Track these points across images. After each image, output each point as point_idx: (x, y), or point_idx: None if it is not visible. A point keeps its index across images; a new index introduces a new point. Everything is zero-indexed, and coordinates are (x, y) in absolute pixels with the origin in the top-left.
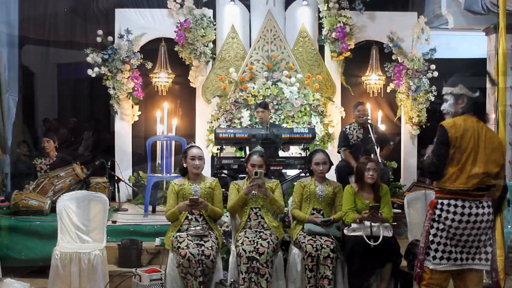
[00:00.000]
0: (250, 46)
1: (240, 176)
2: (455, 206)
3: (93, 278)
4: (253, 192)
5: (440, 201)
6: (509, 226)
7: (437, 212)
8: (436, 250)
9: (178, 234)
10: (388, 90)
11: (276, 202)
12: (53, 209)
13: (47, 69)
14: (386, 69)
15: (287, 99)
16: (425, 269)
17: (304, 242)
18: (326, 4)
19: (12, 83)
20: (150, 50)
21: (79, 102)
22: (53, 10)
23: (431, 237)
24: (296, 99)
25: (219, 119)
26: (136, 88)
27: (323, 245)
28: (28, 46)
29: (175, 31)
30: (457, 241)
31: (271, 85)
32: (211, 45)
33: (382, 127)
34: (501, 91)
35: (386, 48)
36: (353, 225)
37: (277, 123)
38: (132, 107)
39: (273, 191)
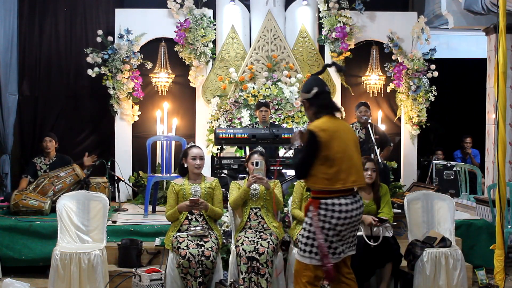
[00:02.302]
0: (250, 46)
1: (240, 176)
2: (339, 204)
3: (93, 278)
4: (254, 186)
5: (324, 201)
6: (509, 226)
7: (322, 211)
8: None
9: (178, 234)
10: (388, 90)
11: (276, 195)
12: (53, 209)
13: (47, 69)
14: (386, 69)
15: (287, 99)
16: (307, 266)
17: None
18: (326, 4)
19: (12, 83)
20: (150, 50)
21: (79, 102)
22: (53, 10)
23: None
24: (296, 99)
25: (219, 119)
26: (136, 88)
27: None
28: (28, 46)
29: (175, 31)
30: (342, 237)
31: (271, 85)
32: (211, 45)
33: (382, 127)
34: (501, 91)
35: (386, 48)
36: None
37: (277, 123)
38: (132, 107)
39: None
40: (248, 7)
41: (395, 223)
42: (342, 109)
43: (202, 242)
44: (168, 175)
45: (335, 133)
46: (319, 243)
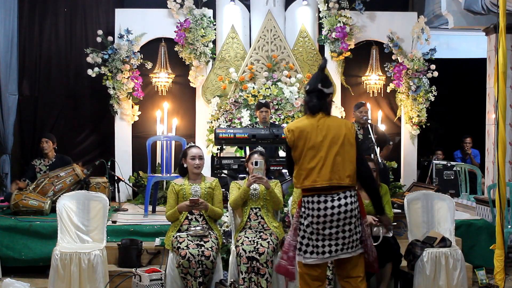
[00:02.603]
0: (250, 46)
1: (240, 176)
2: (313, 202)
3: (93, 278)
4: (254, 186)
5: (303, 198)
6: (509, 226)
7: (302, 209)
8: (307, 245)
9: (178, 234)
10: (388, 90)
11: (276, 195)
12: (53, 209)
13: (47, 69)
14: (386, 69)
15: (287, 99)
16: (298, 263)
17: None
18: (326, 4)
19: (12, 83)
20: (150, 50)
21: (79, 102)
22: (53, 10)
23: (300, 233)
24: (296, 99)
25: (219, 119)
26: (136, 88)
27: None
28: (28, 46)
29: (175, 31)
30: (322, 235)
31: (271, 85)
32: (211, 45)
33: (382, 127)
34: (501, 91)
35: (386, 48)
36: None
37: (277, 123)
38: (132, 107)
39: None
40: (248, 7)
41: (395, 223)
42: (342, 109)
43: (202, 242)
44: (168, 175)
45: (302, 133)
46: (286, 240)
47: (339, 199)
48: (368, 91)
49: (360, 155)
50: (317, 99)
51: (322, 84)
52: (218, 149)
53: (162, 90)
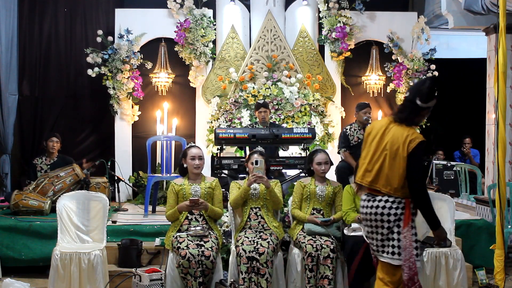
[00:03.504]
0: (250, 46)
1: (240, 176)
2: (362, 199)
3: (93, 278)
4: (254, 186)
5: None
6: (509, 226)
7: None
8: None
9: (178, 234)
10: (388, 90)
11: (275, 194)
12: (53, 209)
13: (47, 69)
14: (386, 69)
15: (287, 99)
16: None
17: (304, 242)
18: (326, 4)
19: (12, 83)
20: (150, 50)
21: (79, 102)
22: (53, 10)
23: None
24: (296, 99)
25: (219, 119)
26: (136, 88)
27: (323, 245)
28: (28, 46)
29: (175, 31)
30: (367, 232)
31: (271, 85)
32: (211, 45)
33: None
34: (501, 91)
35: (386, 48)
36: (353, 225)
37: (277, 123)
38: (132, 107)
39: None
40: (248, 7)
41: None
42: (342, 109)
43: (202, 242)
44: (168, 175)
45: (366, 136)
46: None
47: (379, 200)
48: (368, 91)
49: (408, 171)
50: (408, 111)
51: (420, 98)
52: (218, 149)
53: (162, 90)
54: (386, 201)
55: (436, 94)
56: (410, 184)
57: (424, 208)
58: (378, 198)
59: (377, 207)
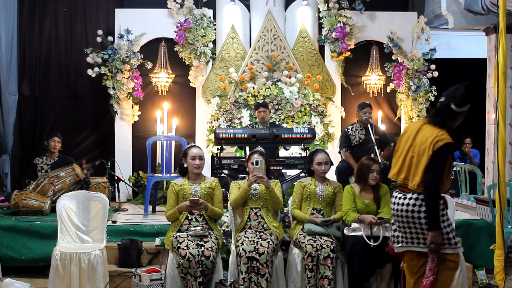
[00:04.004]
0: (250, 46)
1: (240, 176)
2: (394, 196)
3: (93, 278)
4: (254, 186)
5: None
6: (509, 226)
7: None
8: (396, 237)
9: (178, 234)
10: (388, 90)
11: (275, 195)
12: (53, 209)
13: (47, 69)
14: (386, 69)
15: (287, 99)
16: None
17: (304, 242)
18: (326, 4)
19: (12, 83)
20: (150, 50)
21: (79, 102)
22: (53, 10)
23: None
24: (296, 99)
25: (219, 119)
26: (136, 88)
27: (323, 245)
28: (28, 46)
29: (175, 31)
30: (397, 227)
31: (271, 85)
32: (211, 45)
33: (382, 127)
34: (501, 91)
35: (386, 48)
36: (353, 225)
37: (277, 123)
38: (132, 107)
39: None
40: (248, 7)
41: None
42: (342, 109)
43: (202, 242)
44: (168, 175)
45: (402, 135)
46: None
47: (409, 198)
48: (368, 91)
49: (427, 168)
50: (442, 115)
51: (455, 103)
52: (218, 149)
53: (162, 90)
54: (416, 199)
55: (470, 99)
56: (425, 179)
57: (429, 206)
58: (409, 196)
59: (408, 204)
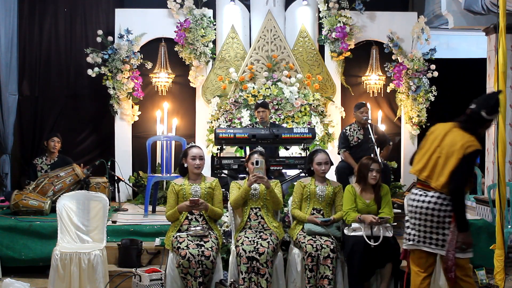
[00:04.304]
0: (250, 46)
1: (240, 176)
2: (411, 193)
3: (93, 278)
4: (254, 186)
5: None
6: (509, 226)
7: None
8: (408, 234)
9: (178, 234)
10: (388, 90)
11: (275, 195)
12: (53, 209)
13: (47, 69)
14: (386, 69)
15: (287, 99)
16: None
17: (304, 242)
18: (326, 4)
19: (12, 83)
20: (150, 50)
21: (79, 102)
22: (53, 10)
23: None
24: (296, 99)
25: (219, 119)
26: (136, 88)
27: (323, 245)
28: (28, 46)
29: (175, 31)
30: (414, 225)
31: (271, 85)
32: (211, 45)
33: (382, 127)
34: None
35: (386, 48)
36: (353, 225)
37: (277, 123)
38: (132, 107)
39: None
40: (248, 7)
41: (395, 223)
42: (342, 109)
43: (202, 242)
44: (168, 175)
45: (429, 134)
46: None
47: (431, 196)
48: (368, 91)
49: (455, 171)
50: (473, 121)
51: (486, 110)
52: (218, 149)
53: (162, 90)
54: (438, 197)
55: (499, 108)
56: (452, 183)
57: (457, 208)
58: (430, 194)
59: (429, 202)
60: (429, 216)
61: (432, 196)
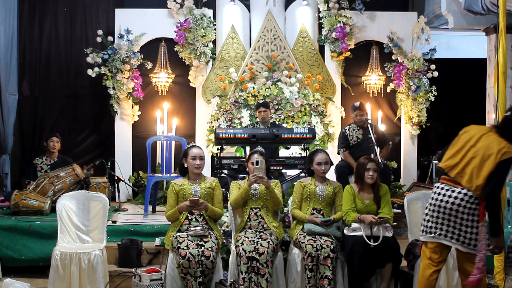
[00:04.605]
0: (250, 46)
1: (240, 176)
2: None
3: (93, 278)
4: (254, 186)
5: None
6: (509, 226)
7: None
8: (428, 227)
9: (178, 234)
10: (388, 90)
11: (275, 195)
12: (53, 209)
13: (47, 69)
14: (386, 69)
15: (287, 99)
16: None
17: (304, 242)
18: (326, 4)
19: (12, 83)
20: (150, 50)
21: (79, 102)
22: (53, 10)
23: None
24: (296, 99)
25: (219, 119)
26: (136, 88)
27: (323, 245)
28: (28, 46)
29: (175, 31)
30: (432, 217)
31: (271, 85)
32: (211, 45)
33: (382, 127)
34: (501, 91)
35: (386, 48)
36: (353, 225)
37: (277, 123)
38: (132, 107)
39: None
40: (248, 7)
41: (395, 223)
42: (342, 109)
43: (202, 242)
44: (168, 175)
45: (462, 133)
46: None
47: (458, 192)
48: (368, 91)
49: (491, 176)
50: (509, 129)
51: None
52: (218, 149)
53: (162, 90)
54: (465, 194)
55: None
56: (488, 187)
57: (492, 213)
58: (458, 190)
59: (456, 198)
60: (454, 211)
61: (459, 193)
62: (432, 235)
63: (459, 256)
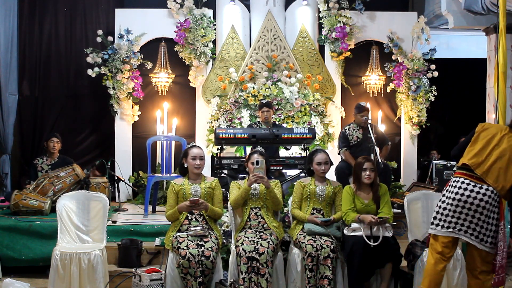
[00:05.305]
0: (250, 46)
1: (240, 176)
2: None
3: (93, 278)
4: (254, 186)
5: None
6: (509, 226)
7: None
8: (443, 220)
9: (178, 234)
10: (388, 90)
11: (275, 195)
12: (53, 209)
13: (47, 69)
14: (386, 69)
15: (287, 99)
16: None
17: (304, 242)
18: (326, 4)
19: (12, 83)
20: (150, 50)
21: (79, 102)
22: (53, 10)
23: None
24: (296, 99)
25: (219, 119)
26: (136, 88)
27: (323, 245)
28: (28, 46)
29: (175, 31)
30: (453, 212)
31: (271, 85)
32: (211, 45)
33: (382, 127)
34: (501, 91)
35: (386, 48)
36: (353, 225)
37: (277, 123)
38: (132, 107)
39: None
40: (248, 7)
41: (395, 223)
42: (342, 109)
43: (202, 242)
44: (168, 175)
45: (481, 130)
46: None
47: (485, 188)
48: (368, 91)
49: None
50: None
51: None
52: (218, 149)
53: (162, 90)
54: (492, 192)
55: None
56: None
57: None
58: (485, 187)
59: (484, 194)
60: (481, 208)
61: (487, 190)
62: (451, 229)
63: (472, 253)
